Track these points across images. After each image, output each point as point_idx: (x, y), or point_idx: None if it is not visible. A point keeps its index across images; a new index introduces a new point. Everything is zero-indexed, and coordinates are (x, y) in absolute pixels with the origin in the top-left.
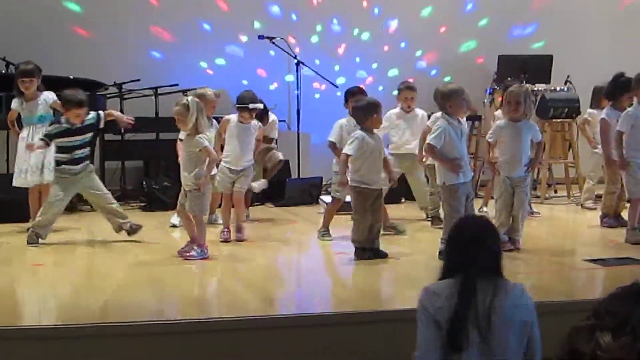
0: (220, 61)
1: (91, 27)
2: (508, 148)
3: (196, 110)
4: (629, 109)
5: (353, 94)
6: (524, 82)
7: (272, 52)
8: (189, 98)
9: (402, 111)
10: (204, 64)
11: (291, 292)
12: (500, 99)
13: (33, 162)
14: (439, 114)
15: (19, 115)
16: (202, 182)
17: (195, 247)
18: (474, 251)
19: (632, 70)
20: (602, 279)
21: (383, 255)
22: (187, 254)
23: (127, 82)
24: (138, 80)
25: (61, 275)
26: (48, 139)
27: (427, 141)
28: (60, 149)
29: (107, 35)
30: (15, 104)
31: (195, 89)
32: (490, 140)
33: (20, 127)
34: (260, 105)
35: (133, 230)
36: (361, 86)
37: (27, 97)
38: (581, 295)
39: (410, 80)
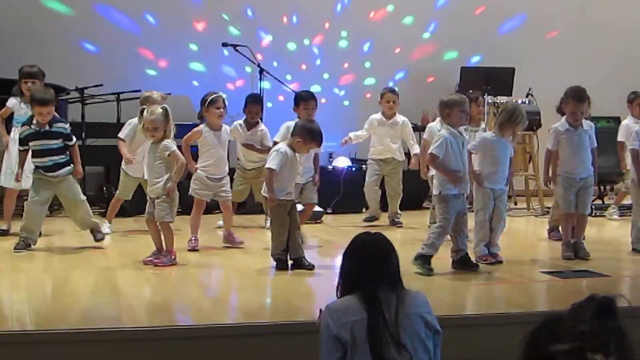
0: (181, 68)
1: (55, 31)
2: (497, 160)
3: (171, 118)
4: (555, 124)
5: (304, 98)
6: (486, 93)
7: (226, 52)
8: (164, 106)
9: (382, 117)
10: (166, 71)
11: (248, 301)
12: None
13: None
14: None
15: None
16: (171, 188)
17: (165, 254)
18: (377, 268)
19: (593, 84)
20: (561, 291)
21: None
22: (157, 261)
23: (89, 87)
24: (100, 85)
25: (19, 281)
26: (20, 144)
27: (429, 151)
28: (34, 153)
29: (70, 39)
30: (11, 102)
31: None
32: (474, 151)
33: (9, 128)
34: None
35: (98, 238)
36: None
37: (28, 98)
38: (540, 307)
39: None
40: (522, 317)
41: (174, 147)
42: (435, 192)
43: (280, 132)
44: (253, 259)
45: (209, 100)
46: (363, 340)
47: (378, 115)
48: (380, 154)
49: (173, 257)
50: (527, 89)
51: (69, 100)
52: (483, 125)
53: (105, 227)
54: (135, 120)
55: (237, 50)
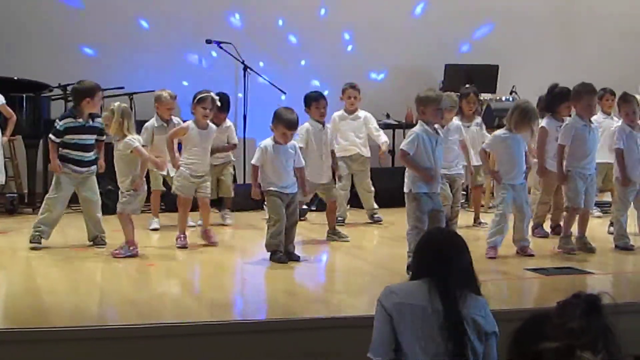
0: (166, 64)
1: (36, 28)
2: (513, 157)
3: (120, 115)
4: (568, 121)
5: (315, 98)
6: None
7: (214, 53)
8: (116, 104)
9: (344, 112)
10: (149, 67)
11: (233, 298)
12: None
13: None
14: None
15: None
16: (137, 184)
17: (124, 245)
18: (443, 264)
19: (577, 81)
20: (545, 288)
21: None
22: (115, 252)
23: (71, 84)
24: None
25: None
26: (58, 136)
27: (400, 147)
28: (69, 146)
29: (52, 36)
30: None
31: (141, 92)
32: (488, 149)
33: None
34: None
35: (99, 243)
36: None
37: None
38: (525, 305)
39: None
40: (507, 315)
41: (136, 144)
42: (405, 190)
43: (301, 137)
44: (235, 255)
45: (198, 98)
46: (411, 326)
47: (339, 112)
48: (346, 150)
49: (131, 247)
50: (510, 86)
51: (52, 98)
52: (478, 120)
53: (154, 223)
54: (150, 122)
55: (221, 47)
